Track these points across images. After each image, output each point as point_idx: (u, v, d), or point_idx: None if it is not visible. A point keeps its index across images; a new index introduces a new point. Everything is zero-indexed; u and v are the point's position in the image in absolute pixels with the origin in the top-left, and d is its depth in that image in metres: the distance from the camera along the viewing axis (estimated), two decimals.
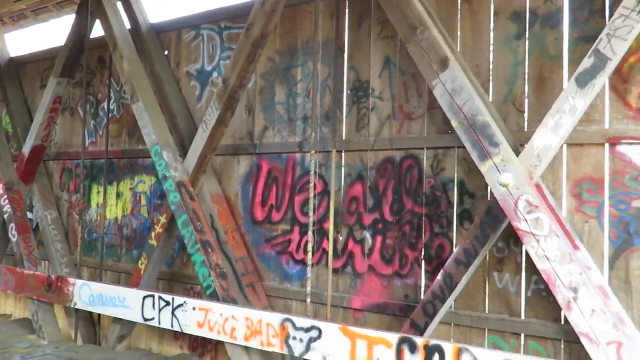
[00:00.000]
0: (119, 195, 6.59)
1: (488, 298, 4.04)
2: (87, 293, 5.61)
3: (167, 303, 4.92)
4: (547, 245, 3.38)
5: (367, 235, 4.62)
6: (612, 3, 3.64)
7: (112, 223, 6.65)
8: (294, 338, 4.12)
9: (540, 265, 3.42)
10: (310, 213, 4.47)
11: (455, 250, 3.98)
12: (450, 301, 3.98)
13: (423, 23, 3.98)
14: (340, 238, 4.76)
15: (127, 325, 5.71)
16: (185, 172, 5.28)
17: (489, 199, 3.96)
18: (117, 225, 6.60)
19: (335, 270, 4.73)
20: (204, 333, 4.66)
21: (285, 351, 4.17)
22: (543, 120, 3.52)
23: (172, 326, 4.87)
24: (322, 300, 4.69)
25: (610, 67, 3.35)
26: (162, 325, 4.96)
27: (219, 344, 5.22)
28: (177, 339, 5.82)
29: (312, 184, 4.48)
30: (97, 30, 6.24)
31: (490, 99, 4.07)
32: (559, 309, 3.66)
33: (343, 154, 4.80)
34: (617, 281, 3.57)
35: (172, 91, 5.92)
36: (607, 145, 3.63)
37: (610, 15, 3.60)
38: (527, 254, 3.79)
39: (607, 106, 3.66)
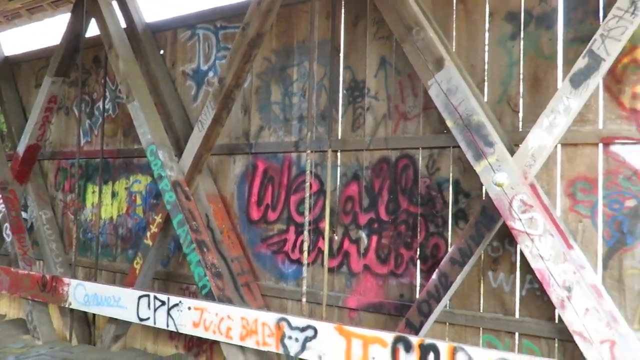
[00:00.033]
0: (114, 194, 6.58)
1: (483, 297, 4.06)
2: (82, 293, 5.59)
3: (163, 303, 4.92)
4: (541, 245, 3.40)
5: (363, 234, 4.63)
6: (606, 4, 3.67)
7: (107, 223, 6.64)
8: (290, 337, 4.13)
9: (534, 264, 3.44)
10: (306, 213, 4.48)
11: (450, 249, 4.00)
12: (445, 300, 3.99)
13: (419, 23, 4.00)
14: (336, 237, 4.77)
15: (122, 325, 5.70)
16: (181, 172, 5.28)
17: (484, 198, 3.97)
18: (112, 225, 6.59)
19: (330, 270, 4.74)
20: (200, 333, 4.66)
21: (281, 351, 4.18)
22: (538, 121, 3.54)
23: (167, 326, 4.86)
24: (317, 300, 4.70)
25: (604, 67, 3.37)
26: (157, 325, 4.95)
27: (214, 343, 5.22)
28: (173, 339, 5.81)
29: (307, 184, 4.49)
30: (93, 30, 6.23)
31: (486, 99, 4.09)
32: (553, 308, 3.68)
33: (339, 153, 4.81)
34: (610, 280, 3.59)
35: (167, 91, 5.91)
36: (600, 145, 3.66)
37: (604, 16, 3.62)
38: (521, 254, 3.82)
39: (601, 106, 3.68)
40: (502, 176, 3.56)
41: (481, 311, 4.06)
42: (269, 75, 5.30)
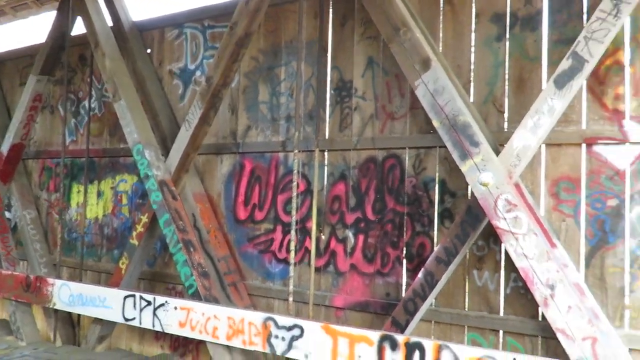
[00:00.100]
0: (99, 194, 6.53)
1: (468, 296, 4.10)
2: (66, 293, 5.54)
3: (149, 303, 4.89)
4: (525, 244, 3.44)
5: (350, 234, 4.65)
6: (589, 7, 3.73)
7: (92, 222, 6.58)
8: (276, 337, 4.13)
9: (518, 263, 3.48)
10: (293, 212, 4.49)
11: (436, 248, 4.03)
12: (430, 299, 4.02)
13: (406, 24, 4.03)
14: (323, 237, 4.78)
15: (107, 326, 5.65)
16: (167, 171, 5.25)
17: (469, 198, 4.01)
18: (97, 225, 6.53)
19: (317, 269, 4.75)
20: (186, 333, 4.64)
21: (267, 350, 4.17)
22: (522, 121, 3.59)
23: (153, 326, 4.84)
24: (304, 299, 4.70)
25: (588, 69, 3.43)
26: (143, 325, 4.92)
27: (200, 343, 5.20)
28: (159, 339, 5.78)
29: (295, 183, 4.49)
30: (79, 28, 6.18)
31: (471, 100, 4.13)
32: (537, 305, 3.73)
33: (326, 153, 4.82)
34: (592, 278, 3.65)
35: (154, 90, 5.88)
36: (584, 145, 3.71)
37: (588, 18, 3.68)
38: (506, 252, 3.86)
39: (584, 107, 3.74)
40: (488, 176, 3.60)
41: (466, 309, 4.10)
42: (257, 75, 5.30)
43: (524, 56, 3.96)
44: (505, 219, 3.52)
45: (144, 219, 5.31)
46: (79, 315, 6.20)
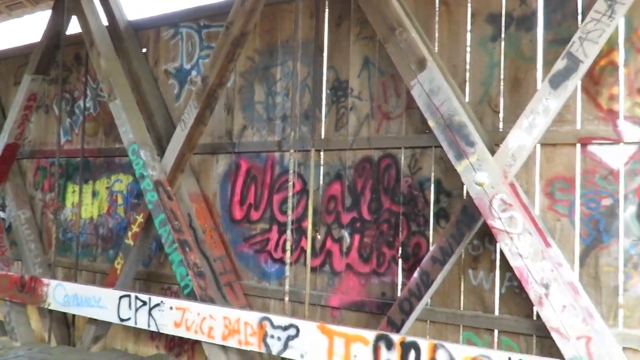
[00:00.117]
0: (95, 194, 6.51)
1: (463, 295, 4.11)
2: (61, 293, 5.51)
3: (144, 303, 4.88)
4: (520, 243, 3.46)
5: (345, 233, 4.65)
6: (584, 7, 3.75)
7: (87, 222, 6.56)
8: (272, 336, 4.12)
9: (513, 262, 3.49)
10: (289, 212, 4.48)
11: (431, 248, 4.04)
12: (426, 298, 4.03)
13: (401, 24, 4.03)
14: (319, 237, 4.78)
15: (102, 326, 5.63)
16: (163, 171, 5.24)
17: (464, 197, 4.02)
18: (92, 225, 6.51)
19: (313, 269, 4.75)
20: (181, 333, 4.63)
21: (263, 350, 4.17)
22: (517, 121, 3.60)
23: (148, 326, 4.82)
24: (300, 299, 4.70)
25: (583, 69, 3.44)
26: (138, 326, 4.91)
27: (196, 343, 5.19)
28: (154, 339, 5.77)
29: (290, 183, 4.49)
30: (74, 27, 6.16)
31: (467, 100, 4.14)
32: (532, 305, 3.74)
33: (322, 153, 4.82)
34: (587, 277, 3.66)
35: (150, 89, 5.87)
36: (578, 145, 3.73)
37: (583, 19, 3.69)
38: (501, 252, 3.86)
39: (579, 107, 3.76)
40: (483, 175, 3.61)
41: (461, 309, 4.11)
42: (253, 75, 5.30)
43: (519, 56, 3.98)
44: (500, 218, 3.53)
45: (140, 218, 5.30)
46: (73, 315, 6.18)
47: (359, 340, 3.72)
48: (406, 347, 3.54)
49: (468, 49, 4.18)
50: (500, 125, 4.03)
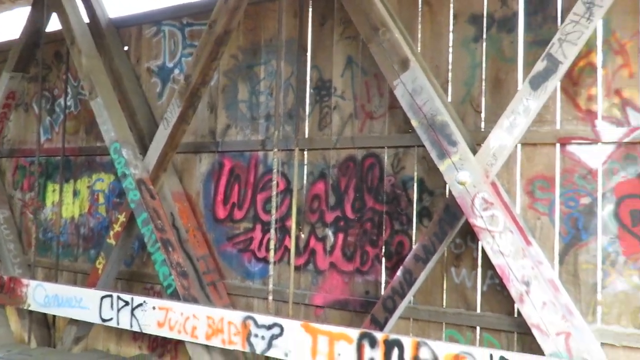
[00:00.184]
0: (76, 193, 6.42)
1: (446, 293, 4.15)
2: (42, 294, 5.44)
3: (126, 303, 4.84)
4: (501, 241, 3.50)
5: (329, 232, 4.67)
6: (563, 9, 3.81)
7: (68, 222, 6.47)
8: (256, 336, 4.12)
9: (495, 260, 3.54)
10: (273, 211, 4.48)
11: (414, 246, 4.08)
12: (409, 296, 4.07)
13: (385, 24, 4.06)
14: (303, 236, 4.79)
15: (83, 327, 5.57)
16: (145, 170, 5.20)
17: (447, 196, 4.06)
18: (73, 225, 6.43)
19: (297, 268, 4.76)
20: (165, 333, 4.60)
21: (247, 349, 4.17)
22: (499, 121, 3.65)
23: (131, 326, 4.78)
24: (284, 298, 4.71)
25: (562, 70, 3.50)
26: (120, 326, 4.87)
27: (179, 343, 5.16)
28: (136, 340, 5.72)
29: (274, 182, 4.49)
30: (54, 24, 6.07)
31: (449, 100, 4.19)
32: (513, 302, 3.79)
33: (306, 152, 4.83)
34: (566, 275, 3.73)
35: (132, 87, 5.82)
36: (558, 145, 3.79)
37: (562, 21, 3.76)
38: (483, 250, 3.91)
39: (559, 108, 3.82)
40: (465, 175, 3.65)
41: (444, 306, 4.15)
42: (236, 74, 5.28)
43: (500, 57, 4.03)
44: (482, 217, 3.57)
45: (122, 218, 5.25)
46: (54, 316, 6.09)
47: (343, 338, 3.74)
48: (390, 344, 3.57)
49: (450, 50, 4.22)
50: (482, 125, 4.07)
